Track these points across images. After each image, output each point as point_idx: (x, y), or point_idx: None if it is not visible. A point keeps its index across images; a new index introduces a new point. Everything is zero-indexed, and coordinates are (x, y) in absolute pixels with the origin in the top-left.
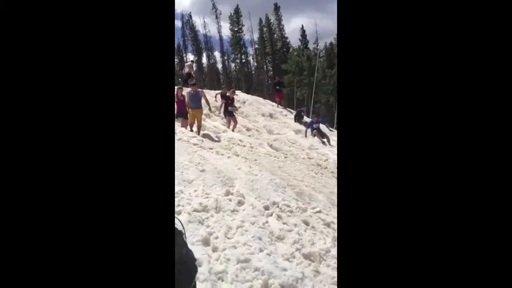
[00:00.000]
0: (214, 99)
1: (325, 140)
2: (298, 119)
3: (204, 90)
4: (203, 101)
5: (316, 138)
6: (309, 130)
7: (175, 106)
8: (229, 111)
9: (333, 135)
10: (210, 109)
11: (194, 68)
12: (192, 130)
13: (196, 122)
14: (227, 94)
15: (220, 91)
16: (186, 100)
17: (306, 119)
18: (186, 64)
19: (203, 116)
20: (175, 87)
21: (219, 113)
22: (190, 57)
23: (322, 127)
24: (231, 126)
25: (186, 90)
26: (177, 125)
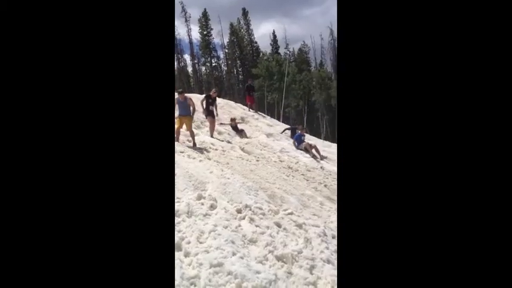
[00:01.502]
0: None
1: (313, 151)
2: (292, 135)
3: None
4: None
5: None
6: (296, 142)
7: None
8: (210, 110)
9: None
10: (191, 115)
11: None
12: (178, 136)
13: (186, 129)
14: (209, 94)
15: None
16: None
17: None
18: None
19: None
20: None
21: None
22: None
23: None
24: (208, 129)
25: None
26: None
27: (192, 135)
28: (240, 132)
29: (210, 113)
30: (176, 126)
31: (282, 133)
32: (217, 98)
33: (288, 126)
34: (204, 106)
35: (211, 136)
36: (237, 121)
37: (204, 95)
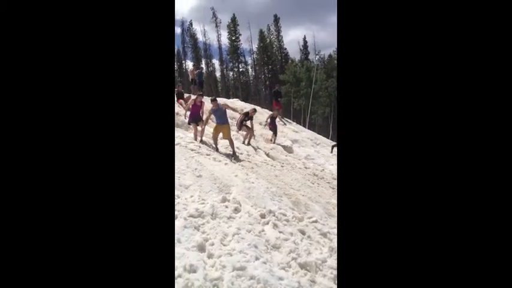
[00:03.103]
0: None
1: None
2: None
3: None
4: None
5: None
6: None
7: (190, 111)
8: (243, 124)
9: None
10: (236, 111)
11: (195, 73)
12: (216, 144)
13: (223, 137)
14: (248, 111)
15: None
16: (206, 115)
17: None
18: (189, 70)
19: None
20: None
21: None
22: (190, 63)
23: None
24: (246, 138)
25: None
26: (190, 131)
27: (231, 143)
28: (273, 129)
29: (242, 126)
30: (213, 133)
31: (331, 152)
32: (244, 102)
33: (334, 143)
34: (239, 121)
35: (243, 142)
36: (277, 114)
37: (244, 111)
